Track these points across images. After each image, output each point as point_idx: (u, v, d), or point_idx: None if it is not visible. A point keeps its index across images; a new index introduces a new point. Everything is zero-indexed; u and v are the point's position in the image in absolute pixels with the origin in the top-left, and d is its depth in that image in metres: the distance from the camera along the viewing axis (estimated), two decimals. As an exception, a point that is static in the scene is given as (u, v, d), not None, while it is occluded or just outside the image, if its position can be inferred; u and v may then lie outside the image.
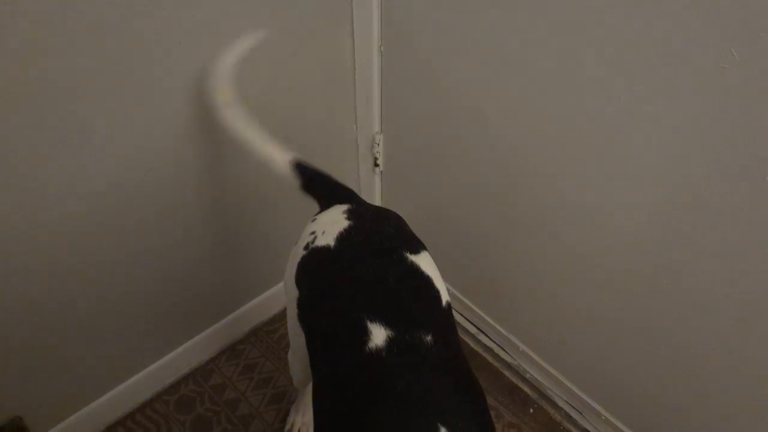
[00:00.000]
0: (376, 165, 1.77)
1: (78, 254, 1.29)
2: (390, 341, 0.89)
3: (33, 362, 1.35)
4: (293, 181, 1.23)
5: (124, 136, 1.22)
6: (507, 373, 1.75)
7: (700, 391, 1.34)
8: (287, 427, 1.59)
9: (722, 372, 1.28)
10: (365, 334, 0.90)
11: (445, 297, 1.01)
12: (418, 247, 1.05)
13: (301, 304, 1.07)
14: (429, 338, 0.91)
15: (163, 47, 1.18)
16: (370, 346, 0.89)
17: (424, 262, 1.03)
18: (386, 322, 0.91)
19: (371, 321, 0.91)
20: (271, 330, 1.83)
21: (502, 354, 1.76)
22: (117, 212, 1.30)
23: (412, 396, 0.84)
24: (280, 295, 1.80)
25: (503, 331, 1.73)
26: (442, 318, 0.97)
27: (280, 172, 1.24)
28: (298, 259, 1.08)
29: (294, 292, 1.09)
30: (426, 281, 1.00)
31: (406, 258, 1.01)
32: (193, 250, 1.52)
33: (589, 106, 1.17)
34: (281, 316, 1.85)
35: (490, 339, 1.78)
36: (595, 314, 1.46)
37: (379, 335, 0.90)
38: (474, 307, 1.78)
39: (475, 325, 1.81)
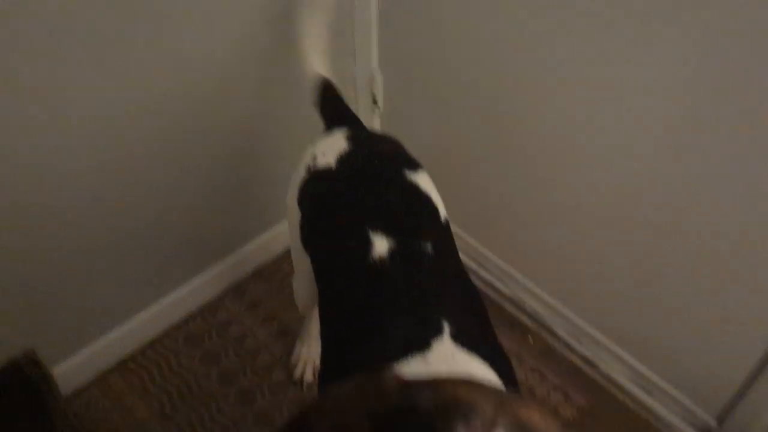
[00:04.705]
0: (375, 103, 1.78)
1: (87, 191, 1.32)
2: (392, 250, 0.92)
3: (44, 297, 1.39)
4: (310, 94, 1.29)
5: (136, 70, 1.24)
6: (507, 306, 1.78)
7: (696, 314, 1.38)
8: (293, 359, 1.63)
9: (719, 292, 1.31)
10: (368, 245, 0.93)
11: (443, 214, 1.04)
12: (416, 166, 1.07)
13: (304, 225, 1.10)
14: (429, 247, 0.93)
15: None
16: (373, 255, 0.92)
17: (422, 180, 1.05)
18: (388, 233, 0.94)
19: (373, 232, 0.94)
20: (275, 269, 1.86)
21: (501, 287, 1.79)
22: (123, 148, 1.33)
23: (416, 297, 0.87)
24: (284, 234, 1.83)
25: (503, 265, 1.76)
26: (441, 231, 1.00)
27: (305, 79, 1.30)
28: (298, 181, 1.10)
29: (296, 215, 1.12)
30: (425, 198, 1.03)
31: (406, 176, 1.04)
32: (197, 187, 1.54)
33: (587, 44, 1.19)
34: (285, 255, 1.88)
35: (490, 273, 1.81)
36: (593, 241, 1.49)
37: (381, 245, 0.92)
38: (474, 243, 1.80)
39: (475, 260, 1.84)
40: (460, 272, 0.97)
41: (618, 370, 1.59)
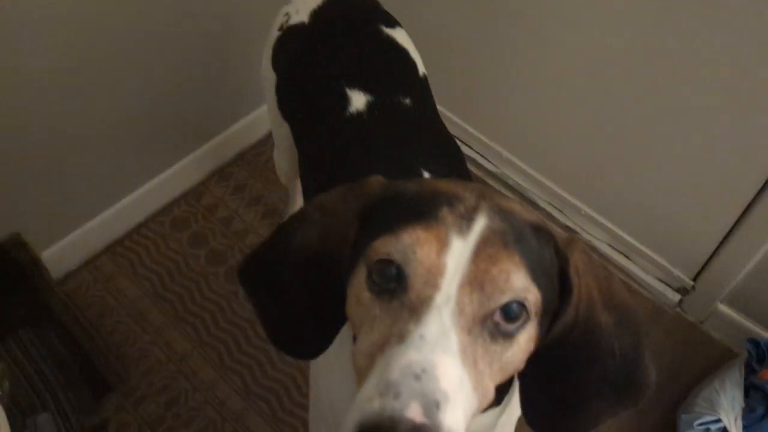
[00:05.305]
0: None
1: (70, 76, 1.31)
2: (370, 105, 0.91)
3: (30, 180, 1.39)
4: None
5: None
6: (490, 181, 1.80)
7: (671, 180, 1.41)
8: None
9: (694, 158, 1.33)
10: (345, 101, 0.92)
11: (421, 69, 1.02)
12: (393, 22, 1.04)
13: (280, 88, 1.07)
14: (408, 101, 0.92)
15: None
16: (350, 111, 0.91)
17: (399, 35, 1.03)
18: (365, 88, 0.92)
19: (350, 88, 0.92)
20: (258, 153, 1.85)
21: (485, 164, 1.80)
22: (102, 29, 1.31)
23: (395, 148, 0.87)
24: (265, 118, 1.81)
25: (486, 140, 1.76)
26: (419, 86, 0.99)
27: None
28: (272, 41, 1.07)
29: (272, 79, 1.09)
30: (402, 52, 1.01)
31: (382, 31, 1.01)
32: (177, 71, 1.52)
33: None
34: (266, 139, 1.86)
35: (473, 150, 1.81)
36: (573, 113, 1.49)
37: (358, 100, 0.91)
38: (456, 119, 1.79)
39: (457, 137, 1.83)
40: (437, 124, 0.96)
41: (599, 236, 1.63)
